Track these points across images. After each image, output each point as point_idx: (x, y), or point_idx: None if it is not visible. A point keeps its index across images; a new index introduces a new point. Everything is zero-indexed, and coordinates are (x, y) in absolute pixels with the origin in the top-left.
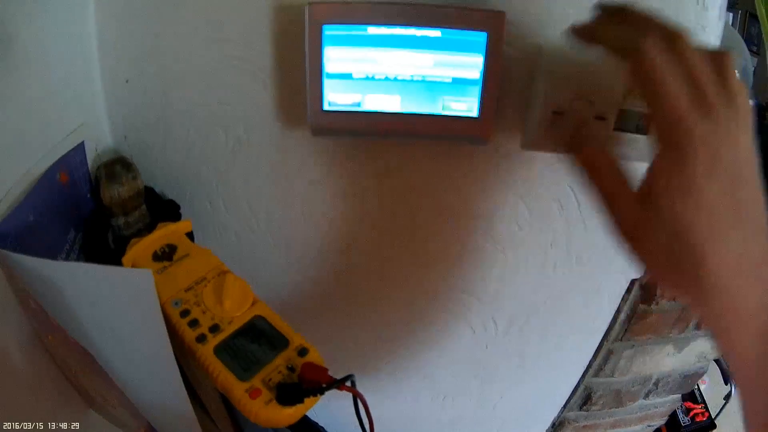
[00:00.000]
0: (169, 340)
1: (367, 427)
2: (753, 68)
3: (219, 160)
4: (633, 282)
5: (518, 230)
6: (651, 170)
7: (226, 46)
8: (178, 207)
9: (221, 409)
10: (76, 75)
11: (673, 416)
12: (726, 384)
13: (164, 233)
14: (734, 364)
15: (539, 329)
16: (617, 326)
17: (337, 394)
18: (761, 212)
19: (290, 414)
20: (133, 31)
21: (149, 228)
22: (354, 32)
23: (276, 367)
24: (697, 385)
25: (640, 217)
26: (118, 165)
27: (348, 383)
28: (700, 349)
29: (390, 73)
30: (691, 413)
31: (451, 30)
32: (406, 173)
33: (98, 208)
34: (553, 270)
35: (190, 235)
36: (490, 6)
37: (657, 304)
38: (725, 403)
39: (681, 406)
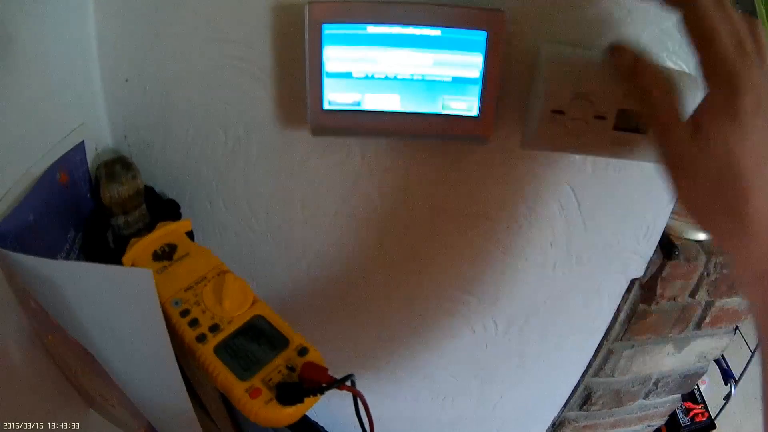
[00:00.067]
0: (169, 339)
1: (367, 426)
2: None
3: (219, 160)
4: (633, 282)
5: (518, 230)
6: (702, 106)
7: (226, 45)
8: (178, 206)
9: (221, 409)
10: (76, 75)
11: (673, 416)
12: (726, 384)
13: (164, 233)
14: (766, 317)
15: (539, 329)
16: (617, 326)
17: (337, 394)
18: None
19: (290, 414)
20: (133, 30)
21: (149, 227)
22: (354, 31)
23: (276, 367)
24: (697, 385)
25: (689, 147)
26: (118, 165)
27: (348, 383)
28: (699, 349)
29: (390, 73)
30: (691, 413)
31: (450, 29)
32: (406, 173)
33: (98, 208)
34: (553, 270)
35: (190, 235)
36: (489, 5)
37: (657, 304)
38: (725, 404)
39: (681, 406)
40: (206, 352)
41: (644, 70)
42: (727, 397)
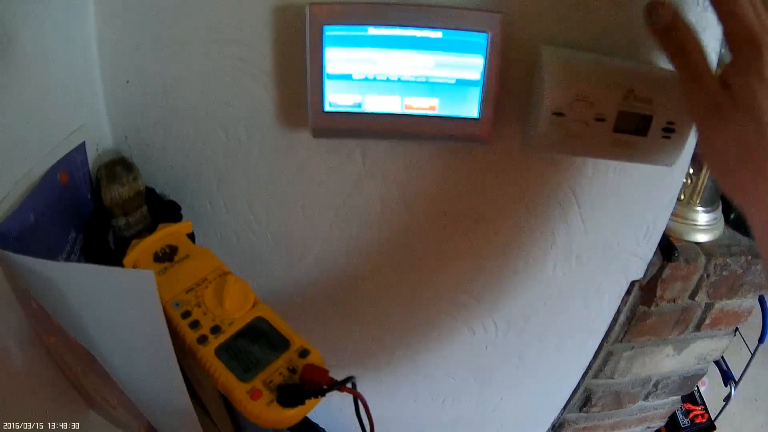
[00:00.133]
0: (170, 341)
1: (367, 428)
2: None
3: (220, 161)
4: (633, 283)
5: (518, 231)
6: (728, 67)
7: (227, 46)
8: (179, 208)
9: (221, 410)
10: (77, 75)
11: (673, 418)
12: (726, 386)
13: (165, 234)
14: None
15: (539, 330)
16: (617, 328)
17: (337, 395)
18: None
19: (291, 415)
20: (134, 31)
21: (150, 229)
22: (354, 33)
23: (277, 369)
24: (697, 386)
25: (719, 97)
26: (118, 166)
27: (349, 385)
28: (699, 351)
29: (390, 74)
30: (691, 415)
31: (451, 31)
32: (406, 174)
33: (99, 209)
34: (553, 271)
35: (191, 236)
36: (490, 7)
37: (657, 305)
38: (725, 405)
39: (680, 408)
40: (207, 353)
41: (682, 25)
42: (727, 399)
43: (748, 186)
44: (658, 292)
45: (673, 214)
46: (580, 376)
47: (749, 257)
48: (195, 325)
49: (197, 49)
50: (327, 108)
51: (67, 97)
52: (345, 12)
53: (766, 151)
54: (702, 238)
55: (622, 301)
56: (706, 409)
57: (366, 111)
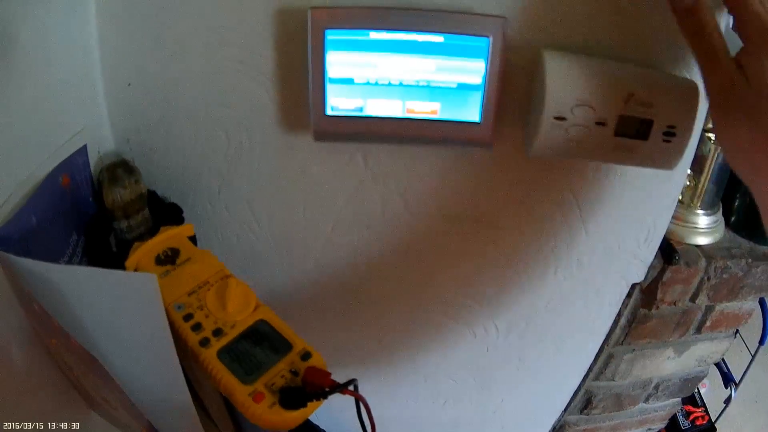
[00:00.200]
0: (173, 343)
1: (369, 430)
2: None
3: (221, 164)
4: (634, 286)
5: (519, 235)
6: (741, 53)
7: (229, 50)
8: (180, 210)
9: (222, 410)
10: (78, 78)
11: (673, 420)
12: (726, 388)
13: (167, 237)
14: None
15: (540, 333)
16: (618, 330)
17: (338, 397)
18: None
19: (294, 418)
20: (135, 34)
21: (152, 232)
22: (356, 37)
23: (279, 371)
24: (697, 388)
25: (734, 77)
26: (120, 168)
27: (351, 387)
28: (700, 353)
29: (392, 78)
30: (691, 417)
31: (453, 35)
32: (408, 177)
33: (100, 212)
34: (554, 274)
35: (193, 239)
36: (491, 11)
37: (657, 308)
38: (725, 407)
39: (681, 410)
40: (209, 356)
41: (703, 8)
42: (728, 401)
43: (758, 164)
44: (659, 295)
45: (673, 217)
46: (581, 378)
47: (749, 260)
48: (197, 327)
49: (198, 51)
50: (329, 112)
51: (69, 98)
52: (346, 16)
53: None
54: (702, 240)
55: (622, 303)
56: (706, 410)
57: (368, 115)
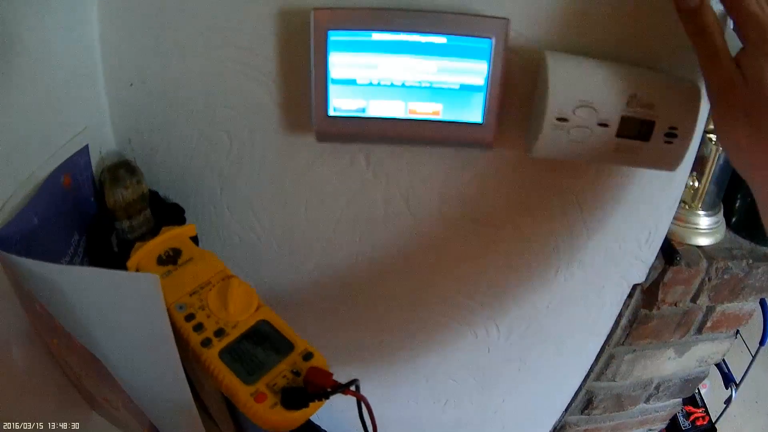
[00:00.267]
0: (175, 344)
1: (370, 430)
2: None
3: (223, 165)
4: (635, 287)
5: (521, 235)
6: (740, 53)
7: (231, 50)
8: (182, 211)
9: (223, 411)
10: (80, 78)
11: (674, 420)
12: (727, 388)
13: (168, 237)
14: None
15: (541, 333)
16: (619, 331)
17: (339, 397)
18: None
19: (295, 418)
20: (137, 34)
21: (153, 232)
22: (359, 38)
23: (281, 372)
24: (698, 389)
25: (733, 76)
26: (122, 168)
27: (353, 388)
28: (700, 354)
29: (394, 79)
30: (692, 417)
31: (455, 36)
32: (410, 179)
33: (102, 212)
34: (556, 275)
35: (195, 239)
36: (494, 13)
37: (658, 309)
38: (726, 407)
39: (681, 410)
40: (211, 356)
41: (707, 10)
42: (728, 401)
43: (756, 163)
44: (660, 296)
45: (675, 217)
46: (582, 378)
47: (750, 260)
48: (199, 328)
49: (200, 51)
50: (331, 112)
51: (70, 99)
52: (349, 17)
53: None
54: (704, 241)
55: (623, 304)
56: (707, 411)
57: (370, 116)
